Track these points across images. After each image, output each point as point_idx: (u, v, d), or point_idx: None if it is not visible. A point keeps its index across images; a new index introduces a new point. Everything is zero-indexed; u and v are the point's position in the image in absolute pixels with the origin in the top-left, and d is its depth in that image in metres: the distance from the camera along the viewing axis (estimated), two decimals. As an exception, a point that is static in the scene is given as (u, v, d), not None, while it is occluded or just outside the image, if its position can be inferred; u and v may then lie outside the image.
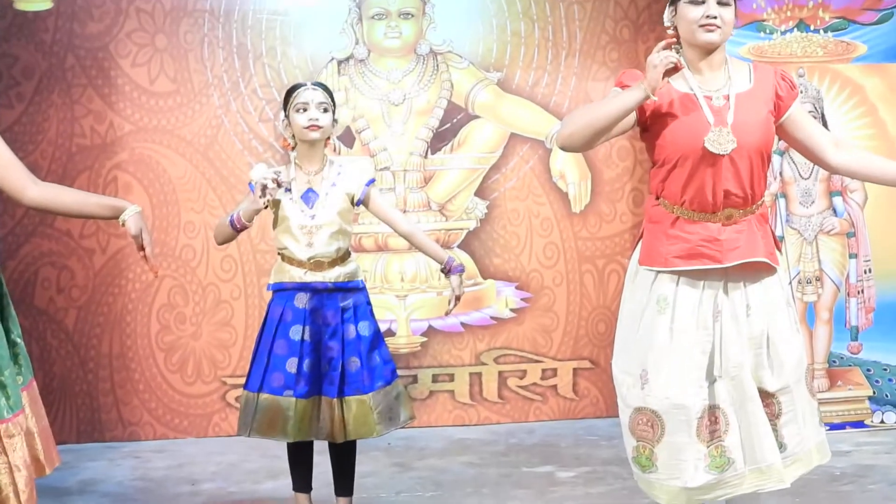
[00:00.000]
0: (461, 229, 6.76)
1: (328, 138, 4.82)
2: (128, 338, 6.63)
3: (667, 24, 4.02)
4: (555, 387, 6.82)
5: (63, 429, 6.55)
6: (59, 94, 6.56)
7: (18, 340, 4.34)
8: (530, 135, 6.79)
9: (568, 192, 6.81)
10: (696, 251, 3.92)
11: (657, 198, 4.03)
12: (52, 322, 6.59)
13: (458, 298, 4.89)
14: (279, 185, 4.57)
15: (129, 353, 6.64)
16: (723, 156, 3.87)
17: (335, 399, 4.71)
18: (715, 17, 3.88)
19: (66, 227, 6.56)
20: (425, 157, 6.73)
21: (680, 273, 3.95)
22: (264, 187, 4.50)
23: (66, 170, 6.54)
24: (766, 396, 3.96)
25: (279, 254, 4.81)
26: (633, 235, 6.77)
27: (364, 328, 4.81)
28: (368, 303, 4.88)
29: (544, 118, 6.78)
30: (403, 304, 6.73)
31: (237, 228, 4.69)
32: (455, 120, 6.76)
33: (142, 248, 4.30)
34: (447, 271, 4.87)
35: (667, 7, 4.01)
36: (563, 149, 4.06)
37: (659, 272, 3.98)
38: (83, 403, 6.61)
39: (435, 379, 6.76)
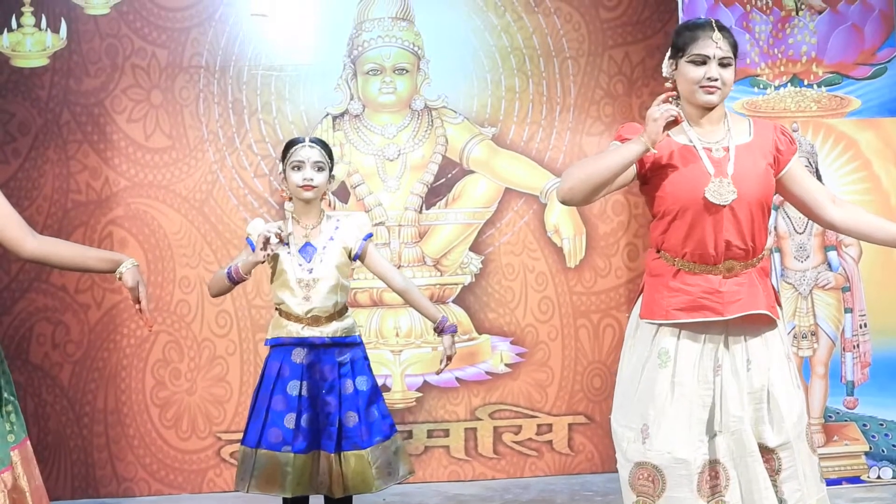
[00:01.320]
0: (456, 284, 6.70)
1: (324, 194, 4.78)
2: (122, 393, 6.57)
3: (665, 74, 3.99)
4: (550, 442, 6.74)
5: (58, 485, 6.47)
6: (54, 149, 6.53)
7: (11, 398, 4.30)
8: (525, 189, 6.74)
9: (563, 247, 6.76)
10: (697, 303, 3.88)
11: (657, 251, 3.99)
12: (46, 377, 6.52)
13: (449, 358, 4.83)
14: (281, 239, 4.53)
15: (123, 409, 6.57)
16: (723, 206, 3.84)
17: (333, 454, 4.64)
18: (716, 79, 3.87)
19: (61, 283, 6.51)
20: (420, 211, 6.68)
21: (681, 327, 3.91)
22: (266, 240, 4.46)
23: (61, 225, 6.50)
24: (766, 452, 3.90)
25: (276, 308, 4.76)
26: (628, 290, 6.73)
27: (362, 383, 4.74)
28: (366, 357, 4.82)
29: (539, 173, 6.74)
30: (398, 359, 6.66)
31: (234, 281, 4.64)
32: (450, 175, 6.72)
33: (137, 302, 4.27)
34: (440, 331, 4.82)
35: (666, 59, 3.99)
36: (564, 203, 4.00)
37: (660, 326, 3.94)
38: (78, 459, 6.53)
39: (430, 434, 6.69)
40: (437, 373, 4.98)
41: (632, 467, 3.97)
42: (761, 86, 6.42)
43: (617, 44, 6.78)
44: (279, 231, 4.53)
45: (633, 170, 3.93)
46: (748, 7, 6.52)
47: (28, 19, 6.52)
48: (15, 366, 6.49)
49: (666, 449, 3.87)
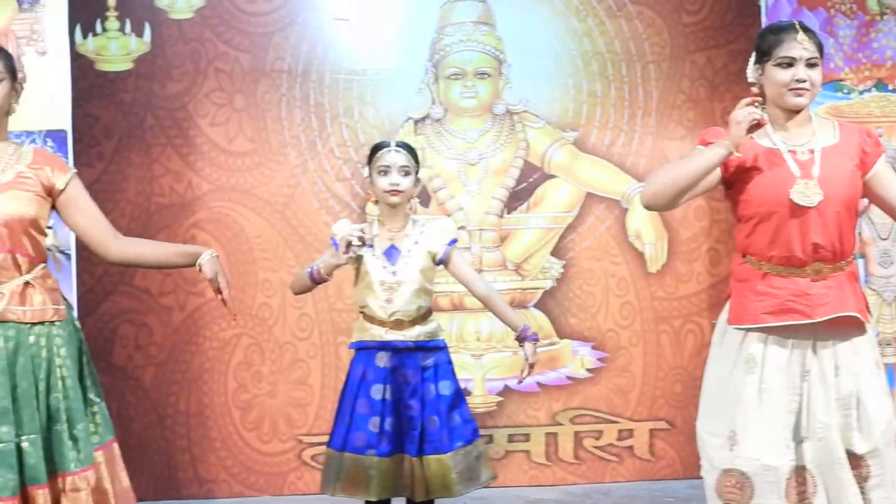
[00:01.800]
0: (537, 289, 6.67)
1: (410, 198, 4.77)
2: (205, 395, 6.58)
3: (751, 80, 3.97)
4: (631, 447, 6.70)
5: (140, 486, 6.42)
6: (138, 153, 6.55)
7: (97, 400, 4.32)
8: (606, 194, 6.70)
9: (644, 252, 6.71)
10: (785, 306, 3.84)
11: (743, 256, 3.97)
12: (130, 379, 6.54)
13: (531, 367, 4.79)
14: (363, 242, 4.51)
15: (206, 411, 6.58)
16: (810, 208, 3.81)
17: (415, 458, 4.63)
18: (804, 80, 3.85)
19: (144, 285, 6.53)
20: (501, 216, 6.66)
21: (768, 332, 3.87)
22: (349, 243, 4.45)
23: (144, 228, 6.51)
24: (854, 459, 3.86)
25: (360, 311, 4.75)
26: (709, 295, 6.68)
27: (444, 387, 4.72)
28: (449, 362, 4.80)
29: (620, 178, 6.70)
30: (479, 363, 6.64)
31: (315, 280, 4.64)
32: (531, 179, 6.68)
33: (218, 292, 4.30)
34: (522, 339, 4.78)
35: (751, 63, 3.97)
36: (648, 208, 3.99)
37: (748, 331, 3.92)
38: (160, 461, 6.55)
39: (510, 439, 6.66)
40: (519, 381, 4.93)
41: (718, 474, 3.95)
42: (845, 90, 6.37)
43: (699, 48, 6.73)
44: (362, 234, 4.52)
45: (717, 173, 3.91)
46: (832, 11, 6.46)
47: (112, 24, 6.54)
48: (98, 367, 6.42)
49: (754, 456, 3.84)
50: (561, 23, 6.69)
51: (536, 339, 4.80)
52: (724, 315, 4.04)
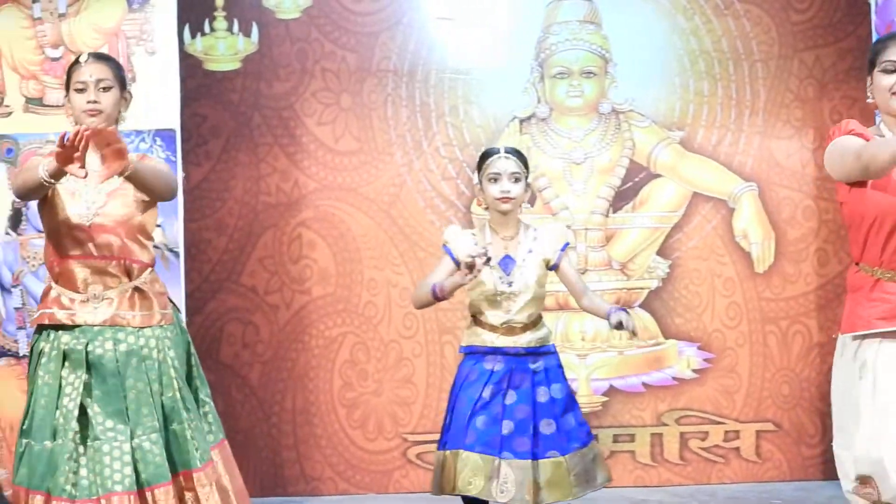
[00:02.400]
0: (642, 289, 6.62)
1: (521, 204, 4.74)
2: (311, 393, 6.59)
3: (869, 100, 3.95)
4: (737, 449, 6.62)
5: (246, 483, 6.39)
6: (245, 152, 6.57)
7: (207, 400, 4.37)
8: (713, 194, 6.63)
9: (751, 252, 6.63)
10: None
11: (857, 264, 3.95)
12: (236, 377, 6.57)
13: (634, 333, 4.64)
14: (487, 262, 4.48)
15: (311, 409, 6.58)
16: None
17: (530, 462, 4.59)
18: None
19: (251, 283, 6.55)
20: (607, 215, 6.61)
21: (882, 336, 3.83)
22: (471, 265, 4.40)
23: (251, 227, 6.53)
24: None
25: (472, 316, 4.73)
26: (817, 296, 6.60)
27: (557, 390, 4.69)
28: (560, 365, 4.77)
29: (727, 177, 6.62)
30: (584, 363, 6.60)
31: (437, 298, 4.62)
32: (637, 179, 6.63)
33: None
34: (609, 316, 4.62)
35: (868, 77, 3.95)
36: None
37: (862, 340, 3.88)
38: (266, 458, 6.57)
39: (615, 439, 6.61)
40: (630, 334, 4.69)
41: (854, 485, 3.91)
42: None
43: (807, 46, 6.64)
44: (485, 253, 4.48)
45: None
46: (945, 9, 6.36)
47: (220, 24, 6.56)
48: (206, 365, 6.47)
49: (875, 458, 3.80)
50: (667, 21, 6.63)
51: (624, 309, 4.66)
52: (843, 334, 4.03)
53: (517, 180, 4.63)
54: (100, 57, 4.34)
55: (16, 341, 6.00)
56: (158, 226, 5.95)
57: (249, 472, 6.51)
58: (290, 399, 6.57)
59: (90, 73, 4.23)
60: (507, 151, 4.68)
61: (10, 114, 6.13)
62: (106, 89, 4.26)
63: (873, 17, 6.33)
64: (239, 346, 6.56)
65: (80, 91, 4.23)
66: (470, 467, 4.52)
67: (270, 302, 6.57)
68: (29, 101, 6.13)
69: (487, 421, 4.55)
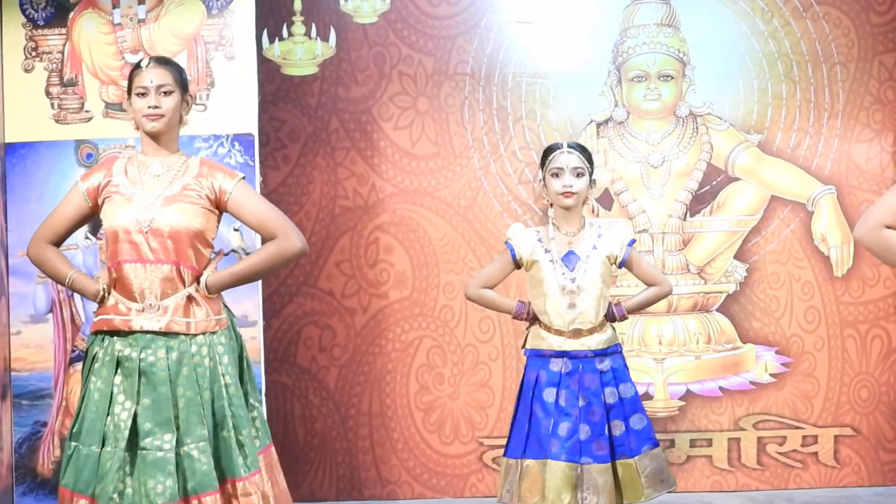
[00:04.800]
0: (720, 292, 6.52)
1: (586, 199, 4.66)
2: (387, 397, 6.53)
3: None
4: (815, 454, 6.51)
5: (322, 486, 6.48)
6: (323, 156, 6.52)
7: (257, 405, 4.31)
8: (791, 197, 6.51)
9: (830, 256, 6.52)
10: None
11: None
12: (313, 380, 6.52)
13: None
14: None
15: (388, 412, 6.53)
16: None
17: (607, 465, 4.53)
18: None
19: (328, 287, 6.50)
20: (684, 219, 6.51)
21: None
22: None
23: (329, 231, 6.49)
24: None
25: (537, 319, 4.66)
26: (897, 300, 6.50)
27: (625, 390, 4.62)
28: (626, 365, 4.70)
29: (806, 181, 6.51)
30: (661, 367, 6.51)
31: (516, 318, 4.71)
32: (714, 182, 6.52)
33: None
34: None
35: None
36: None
37: None
38: (343, 461, 6.52)
39: (693, 444, 6.52)
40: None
41: None
42: None
43: (888, 49, 6.51)
44: None
45: None
46: None
47: (298, 28, 6.51)
48: (283, 368, 6.51)
49: None
50: (745, 24, 6.52)
51: (620, 308, 4.70)
52: None
53: (580, 175, 4.56)
54: (160, 61, 4.28)
55: (97, 345, 5.98)
56: (237, 230, 5.92)
57: (326, 475, 6.49)
58: (366, 402, 6.52)
59: (151, 77, 4.18)
60: (570, 146, 4.61)
61: (90, 119, 6.10)
62: (167, 93, 4.22)
63: (954, 18, 6.21)
64: (316, 349, 6.52)
65: (142, 95, 4.20)
66: (559, 478, 4.45)
67: (347, 306, 6.52)
68: (108, 106, 6.10)
69: (570, 427, 4.49)
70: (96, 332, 4.21)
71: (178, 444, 4.05)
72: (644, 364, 6.46)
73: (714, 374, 6.49)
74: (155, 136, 4.25)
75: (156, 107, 4.19)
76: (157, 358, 4.10)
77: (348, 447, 6.51)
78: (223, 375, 4.18)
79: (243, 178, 4.32)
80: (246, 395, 4.30)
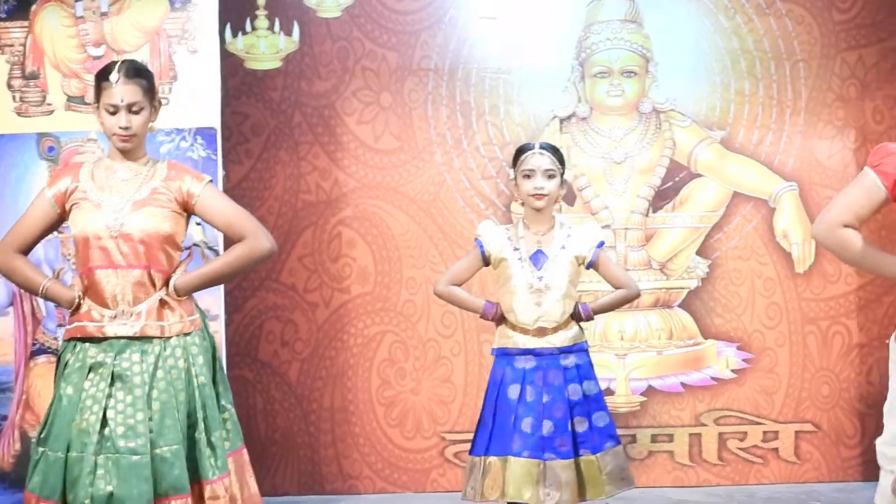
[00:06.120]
0: (682, 288, 6.51)
1: (556, 199, 4.66)
2: (349, 391, 6.51)
3: None
4: (776, 450, 6.51)
5: (284, 480, 6.46)
6: (286, 150, 6.49)
7: (228, 406, 4.27)
8: (754, 194, 6.50)
9: (791, 252, 6.51)
10: None
11: None
12: (275, 375, 6.50)
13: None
14: None
15: (350, 407, 6.51)
16: None
17: (571, 461, 4.52)
18: None
19: (290, 282, 6.47)
20: (646, 215, 6.50)
21: None
22: None
23: (291, 225, 6.46)
24: None
25: (503, 317, 4.65)
26: (858, 297, 6.47)
27: (589, 388, 4.60)
28: (591, 363, 4.68)
29: (768, 177, 6.50)
30: (623, 363, 6.49)
31: (483, 317, 4.67)
32: (677, 178, 6.51)
33: None
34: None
35: None
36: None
37: None
38: (304, 456, 6.49)
39: (654, 439, 6.51)
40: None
41: (890, 478, 3.82)
42: None
43: (850, 46, 6.51)
44: None
45: (884, 193, 3.81)
46: None
47: (262, 22, 6.48)
48: (245, 363, 6.49)
49: None
50: (709, 21, 6.50)
51: (586, 307, 4.65)
52: (894, 336, 3.92)
53: (551, 177, 4.54)
54: (130, 74, 4.18)
55: (56, 338, 5.95)
56: (199, 224, 5.89)
57: (287, 470, 6.46)
58: (328, 397, 6.50)
59: (121, 96, 4.10)
60: (542, 147, 4.58)
61: (52, 112, 6.06)
62: (137, 112, 4.17)
63: (917, 15, 6.21)
64: (278, 344, 6.49)
65: (111, 113, 4.15)
66: (520, 474, 4.43)
67: (310, 300, 6.49)
68: (70, 99, 6.06)
69: (533, 423, 4.48)
70: (69, 339, 4.19)
71: (152, 446, 4.02)
72: (606, 360, 6.45)
73: (675, 369, 6.49)
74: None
75: (127, 127, 4.14)
76: (132, 362, 4.06)
77: (310, 442, 6.49)
78: (197, 377, 4.14)
79: (210, 180, 4.28)
80: (218, 395, 4.27)
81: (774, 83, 6.50)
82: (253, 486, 4.32)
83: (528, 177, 4.54)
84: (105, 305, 4.10)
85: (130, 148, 4.17)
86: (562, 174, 4.59)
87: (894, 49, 6.46)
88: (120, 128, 4.12)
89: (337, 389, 6.49)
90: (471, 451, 4.63)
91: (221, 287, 5.98)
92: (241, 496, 4.21)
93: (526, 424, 4.46)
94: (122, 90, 4.11)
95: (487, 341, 6.34)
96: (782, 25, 6.48)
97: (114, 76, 4.11)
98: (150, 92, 4.20)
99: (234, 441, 4.26)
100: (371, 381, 6.49)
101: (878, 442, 3.90)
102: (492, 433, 4.54)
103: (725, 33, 6.49)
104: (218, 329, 5.87)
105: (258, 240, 4.24)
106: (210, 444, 4.12)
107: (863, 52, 6.50)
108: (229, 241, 4.31)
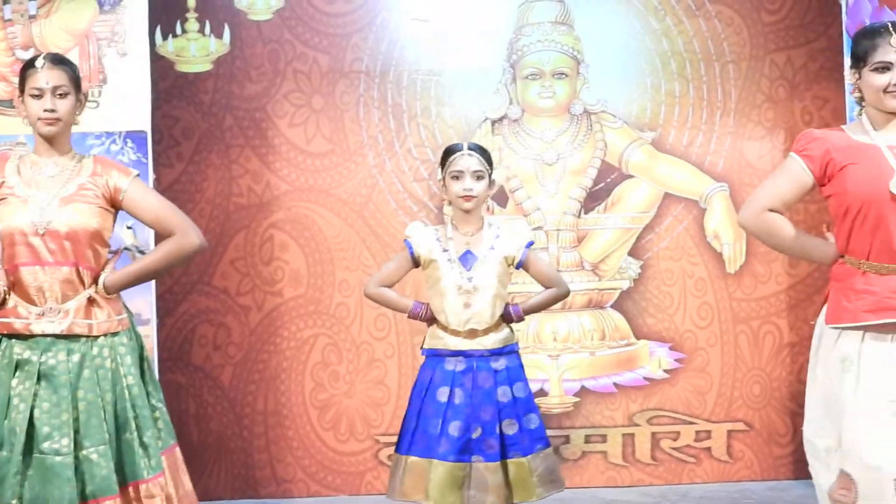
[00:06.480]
0: (614, 289, 6.53)
1: (485, 199, 4.66)
2: (282, 395, 6.48)
3: (850, 83, 3.94)
4: (709, 449, 6.54)
5: (218, 485, 6.42)
6: (217, 153, 6.46)
7: (159, 405, 4.25)
8: (685, 195, 6.53)
9: (722, 253, 6.55)
10: (884, 304, 3.73)
11: (842, 256, 3.86)
12: (208, 379, 6.46)
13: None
14: None
15: (283, 410, 6.48)
16: None
17: (497, 463, 4.52)
18: None
19: (223, 285, 6.44)
20: (578, 216, 6.51)
21: (865, 329, 3.74)
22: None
23: (223, 229, 6.43)
24: None
25: (433, 318, 4.65)
26: (788, 296, 6.52)
27: (519, 390, 4.59)
28: (521, 365, 4.68)
29: (699, 178, 6.53)
30: (556, 364, 6.50)
31: (412, 317, 4.68)
32: (609, 179, 6.53)
33: None
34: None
35: (848, 69, 3.93)
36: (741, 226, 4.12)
37: (843, 330, 3.79)
38: (238, 459, 6.45)
39: (587, 440, 6.52)
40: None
41: (831, 477, 3.84)
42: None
43: (779, 47, 6.55)
44: None
45: (810, 179, 3.86)
46: (915, 9, 6.29)
47: (192, 25, 6.44)
48: (177, 367, 6.45)
49: (855, 455, 3.70)
50: (639, 22, 6.53)
51: (517, 308, 4.66)
52: (821, 317, 3.94)
53: (480, 178, 4.54)
54: (55, 60, 4.19)
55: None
56: (130, 227, 5.85)
57: (221, 474, 6.43)
58: (261, 401, 6.47)
59: (46, 79, 4.10)
60: (470, 148, 4.57)
61: (-21, 116, 6.02)
62: (63, 95, 4.14)
63: (844, 17, 6.21)
64: (210, 347, 6.45)
65: (36, 97, 4.12)
66: (444, 478, 4.43)
67: (242, 303, 6.46)
68: (-1, 102, 6.03)
69: (459, 426, 4.47)
70: None
71: (77, 447, 3.99)
72: (539, 361, 6.46)
73: (608, 370, 6.51)
74: (49, 138, 4.17)
75: (52, 110, 4.11)
76: (58, 361, 4.03)
77: (243, 446, 6.46)
78: (125, 377, 4.11)
79: (137, 175, 4.25)
80: (148, 395, 4.24)
81: (704, 84, 6.53)
82: (187, 484, 4.30)
83: (457, 178, 4.54)
84: (32, 302, 4.07)
85: (55, 133, 4.13)
86: (490, 175, 4.59)
87: (822, 50, 6.50)
88: (45, 111, 4.09)
89: (270, 393, 6.46)
90: (395, 449, 4.63)
91: (153, 291, 5.95)
92: (176, 495, 4.18)
93: (453, 428, 4.46)
94: (47, 74, 4.11)
95: (420, 343, 6.32)
96: (712, 27, 6.52)
97: (39, 62, 4.14)
98: (76, 81, 4.19)
99: (166, 439, 4.23)
100: (304, 385, 6.47)
101: (805, 430, 3.94)
102: (415, 433, 4.54)
103: (656, 35, 6.52)
104: (150, 333, 5.83)
105: (187, 235, 4.22)
106: (142, 444, 4.09)
107: (791, 54, 6.54)
108: (159, 239, 4.29)
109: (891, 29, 3.81)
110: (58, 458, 3.94)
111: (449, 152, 4.60)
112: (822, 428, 3.89)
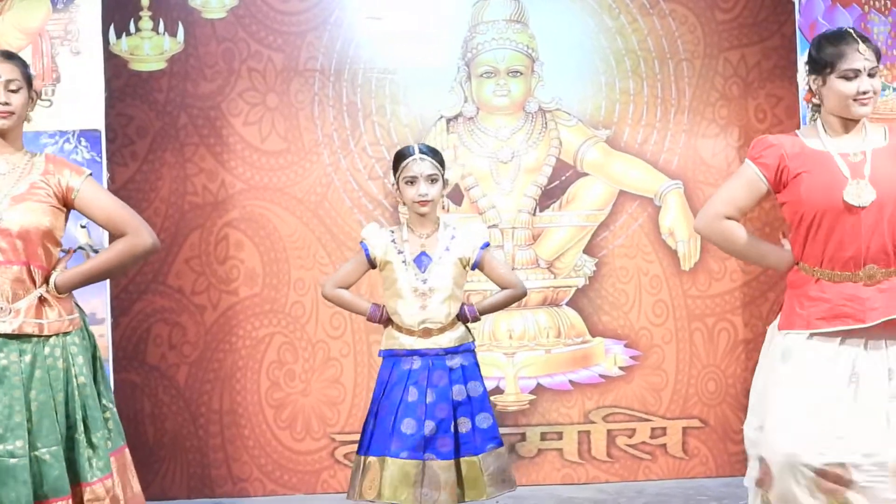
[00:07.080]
0: (570, 287, 6.53)
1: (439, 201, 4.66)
2: (238, 394, 6.46)
3: (809, 87, 3.91)
4: (664, 446, 6.55)
5: (174, 484, 6.40)
6: (171, 152, 6.44)
7: (110, 405, 4.22)
8: (639, 192, 6.54)
9: (677, 250, 6.56)
10: (837, 311, 3.75)
11: (797, 263, 3.88)
12: (163, 378, 6.43)
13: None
14: None
15: (239, 410, 6.45)
16: (861, 209, 3.73)
17: (451, 461, 4.52)
18: (867, 91, 3.77)
19: (178, 284, 6.41)
20: (534, 214, 6.52)
21: (817, 334, 3.77)
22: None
23: (178, 227, 6.41)
24: None
25: (389, 319, 4.65)
26: (743, 293, 6.54)
27: (474, 389, 4.60)
28: (477, 364, 4.69)
29: (653, 176, 6.54)
30: (512, 361, 6.50)
31: (371, 320, 4.68)
32: (564, 177, 6.53)
33: None
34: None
35: (807, 74, 3.91)
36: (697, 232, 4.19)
37: (789, 332, 3.82)
38: (194, 459, 6.43)
39: (543, 437, 6.53)
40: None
41: (756, 465, 3.88)
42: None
43: (733, 46, 6.56)
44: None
45: (765, 186, 3.88)
46: (866, 8, 6.30)
47: (146, 23, 6.41)
48: (132, 366, 6.42)
49: (773, 443, 3.74)
50: (594, 21, 6.53)
51: (472, 309, 4.67)
52: (774, 323, 3.97)
53: (434, 181, 4.54)
54: (6, 56, 4.17)
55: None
56: (84, 227, 5.82)
57: (177, 473, 6.41)
58: (217, 400, 6.45)
59: None
60: (422, 152, 4.56)
61: (-69, 115, 5.97)
62: (16, 90, 4.13)
63: (797, 16, 6.22)
64: (166, 347, 6.43)
65: None
66: (396, 475, 4.42)
67: (197, 303, 6.44)
68: (-49, 101, 5.97)
69: (413, 424, 4.47)
70: None
71: (30, 448, 3.96)
72: (495, 358, 6.46)
73: (564, 367, 6.51)
74: (1, 133, 4.15)
75: (6, 103, 4.08)
76: (9, 361, 3.99)
77: (199, 445, 6.43)
78: (77, 377, 4.08)
79: (90, 174, 4.21)
80: (99, 395, 4.21)
81: (658, 82, 6.54)
82: (136, 486, 4.27)
83: (411, 183, 4.54)
84: None
85: (9, 127, 4.09)
86: (443, 175, 4.60)
87: (776, 48, 6.52)
88: None
89: (226, 392, 6.44)
90: (357, 451, 4.63)
91: (108, 290, 5.93)
92: (123, 496, 4.16)
93: (406, 425, 4.46)
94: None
95: (376, 342, 6.24)
96: (666, 25, 6.53)
97: None
98: (28, 77, 4.16)
99: (115, 440, 4.20)
100: (260, 384, 6.45)
101: (746, 426, 3.98)
102: (373, 433, 4.54)
103: (610, 33, 6.53)
104: (104, 332, 5.81)
105: (139, 235, 4.19)
106: (91, 445, 4.06)
107: (745, 52, 6.56)
108: (112, 239, 4.26)
109: (856, 37, 3.82)
110: (12, 461, 3.91)
111: (401, 157, 4.59)
112: (754, 416, 3.93)
